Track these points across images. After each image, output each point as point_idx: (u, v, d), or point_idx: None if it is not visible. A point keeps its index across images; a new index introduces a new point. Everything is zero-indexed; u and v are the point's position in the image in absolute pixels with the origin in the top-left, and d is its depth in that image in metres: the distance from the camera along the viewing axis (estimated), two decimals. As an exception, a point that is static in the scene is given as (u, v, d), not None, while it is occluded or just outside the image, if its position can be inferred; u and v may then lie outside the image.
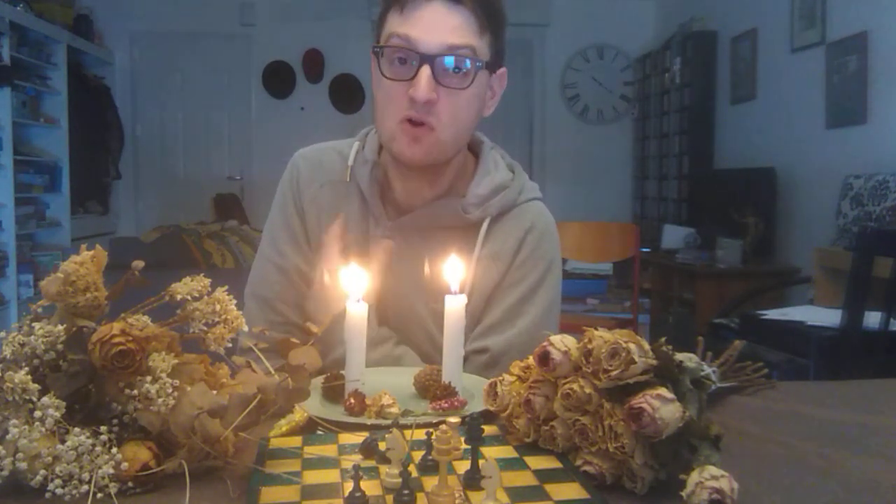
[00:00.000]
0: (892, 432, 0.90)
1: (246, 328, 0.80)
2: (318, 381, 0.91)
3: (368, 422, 0.83)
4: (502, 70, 1.13)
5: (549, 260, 1.17)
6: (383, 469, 0.69)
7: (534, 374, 0.77)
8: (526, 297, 1.14)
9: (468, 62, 1.03)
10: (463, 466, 0.69)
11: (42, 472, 0.64)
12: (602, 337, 0.71)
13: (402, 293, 1.15)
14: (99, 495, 0.65)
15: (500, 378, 0.81)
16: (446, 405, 0.85)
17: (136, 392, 0.68)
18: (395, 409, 0.85)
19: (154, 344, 0.71)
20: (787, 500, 0.69)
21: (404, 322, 1.15)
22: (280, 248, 1.18)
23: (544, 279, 1.16)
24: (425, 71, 1.01)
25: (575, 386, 0.71)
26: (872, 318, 2.46)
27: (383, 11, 1.07)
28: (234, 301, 0.80)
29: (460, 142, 1.11)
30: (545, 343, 0.74)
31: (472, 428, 0.69)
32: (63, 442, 0.65)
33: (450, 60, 1.02)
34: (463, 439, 0.69)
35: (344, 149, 1.21)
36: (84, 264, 0.73)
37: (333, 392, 0.90)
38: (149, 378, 0.69)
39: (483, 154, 1.18)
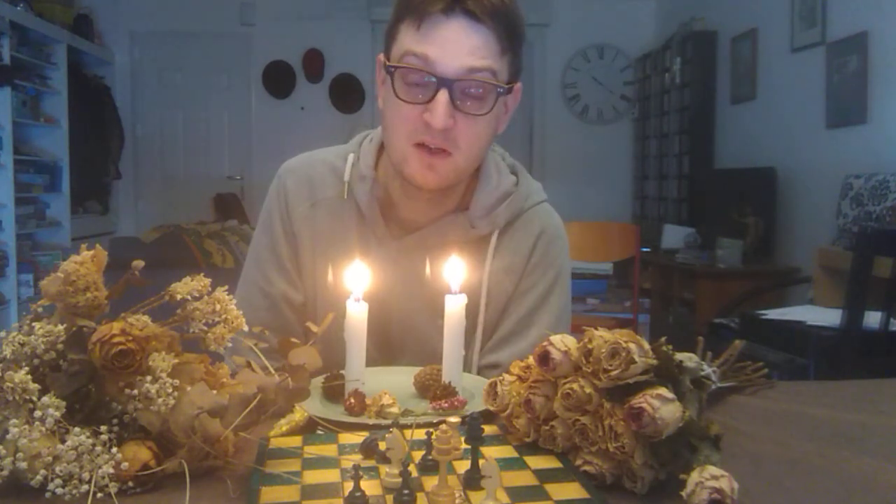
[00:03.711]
0: (892, 432, 0.90)
1: (246, 328, 0.80)
2: (318, 381, 0.91)
3: (368, 422, 0.83)
4: (517, 86, 1.07)
5: (558, 266, 1.14)
6: (383, 469, 0.69)
7: (534, 374, 0.77)
8: (537, 307, 1.11)
9: (488, 88, 0.98)
10: (463, 466, 0.69)
11: (42, 471, 0.64)
12: (602, 337, 0.71)
13: (406, 310, 1.11)
14: (99, 495, 0.64)
15: (500, 378, 0.81)
16: (446, 405, 0.85)
17: (136, 392, 0.68)
18: (395, 409, 0.85)
19: (154, 344, 0.71)
20: (787, 500, 0.69)
21: (409, 340, 1.11)
22: (266, 273, 1.13)
23: (554, 286, 1.12)
24: (443, 96, 0.95)
25: (575, 386, 0.71)
26: (872, 318, 2.46)
27: (395, 21, 1.01)
28: (234, 301, 0.80)
29: (475, 165, 1.08)
30: (545, 343, 0.74)
31: (472, 428, 0.69)
32: (63, 442, 0.65)
33: (469, 86, 0.97)
34: (463, 439, 0.69)
35: (335, 161, 1.14)
36: (84, 264, 0.73)
37: (333, 392, 0.90)
38: (149, 378, 0.69)
39: (485, 159, 1.12)
